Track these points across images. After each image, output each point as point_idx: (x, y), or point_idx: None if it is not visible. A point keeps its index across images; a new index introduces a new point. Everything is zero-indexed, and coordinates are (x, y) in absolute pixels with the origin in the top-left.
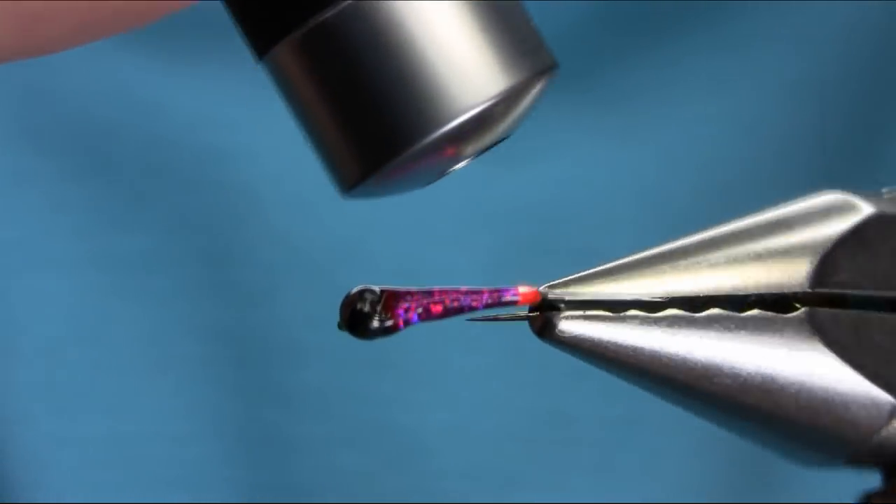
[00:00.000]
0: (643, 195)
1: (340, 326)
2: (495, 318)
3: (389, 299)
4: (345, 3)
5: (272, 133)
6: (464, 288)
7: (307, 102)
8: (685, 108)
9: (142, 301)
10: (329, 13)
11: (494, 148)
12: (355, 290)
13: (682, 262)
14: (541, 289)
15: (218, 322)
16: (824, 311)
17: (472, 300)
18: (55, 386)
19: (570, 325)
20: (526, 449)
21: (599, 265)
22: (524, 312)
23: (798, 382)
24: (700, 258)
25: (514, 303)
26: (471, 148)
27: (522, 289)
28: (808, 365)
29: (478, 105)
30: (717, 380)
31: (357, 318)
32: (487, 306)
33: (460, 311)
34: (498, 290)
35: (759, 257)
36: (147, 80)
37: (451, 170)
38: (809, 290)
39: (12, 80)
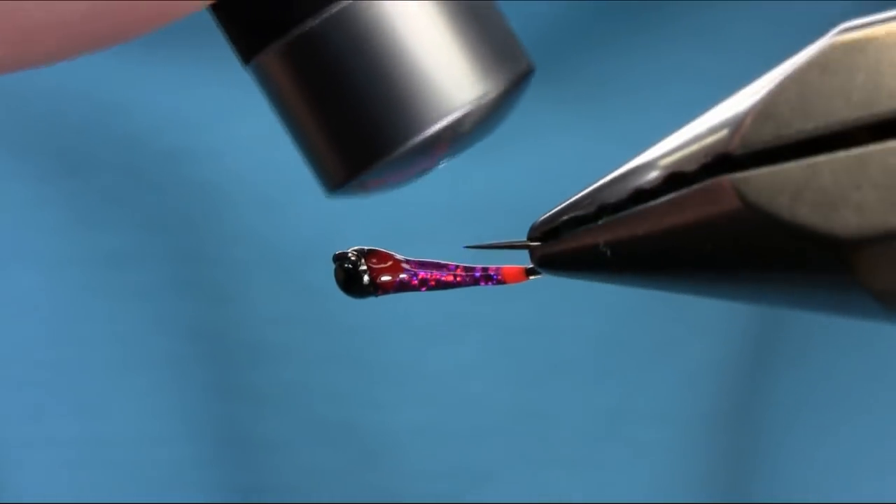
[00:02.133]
0: None
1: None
2: (494, 246)
3: (381, 264)
4: (329, 12)
5: (242, 132)
6: (459, 265)
7: (293, 107)
8: (667, 101)
9: (114, 300)
10: (313, 21)
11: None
12: (350, 249)
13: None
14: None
15: (190, 321)
16: (758, 174)
17: (465, 276)
18: (25, 386)
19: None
20: (502, 446)
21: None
22: (523, 240)
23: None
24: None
25: (499, 281)
26: (451, 149)
27: (511, 268)
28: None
29: (459, 110)
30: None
31: (352, 275)
32: (475, 282)
33: (450, 284)
34: (486, 271)
35: (694, 124)
36: (118, 80)
37: (430, 169)
38: (740, 153)
39: None
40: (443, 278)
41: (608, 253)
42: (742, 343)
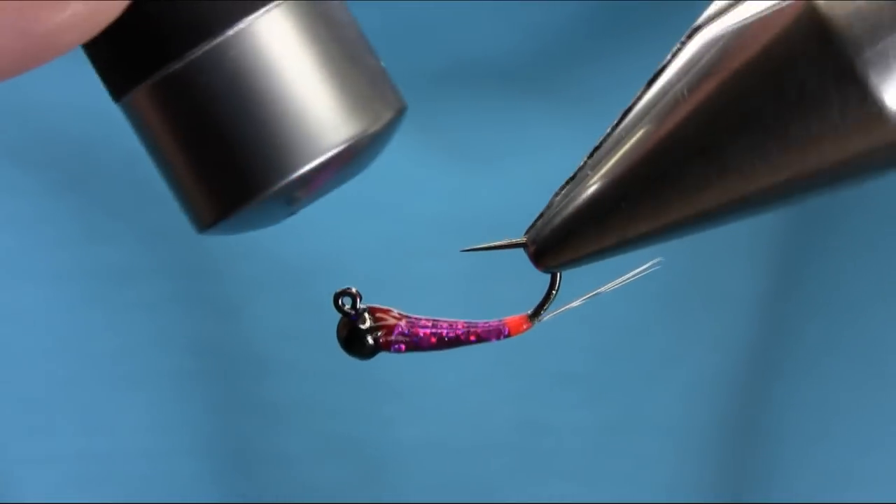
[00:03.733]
0: None
1: (338, 337)
2: (490, 247)
3: (385, 321)
4: (194, 54)
5: None
6: (461, 321)
7: (161, 146)
8: None
9: (119, 314)
10: (178, 63)
11: (468, 154)
12: (343, 319)
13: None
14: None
15: (195, 335)
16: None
17: (469, 336)
18: (30, 401)
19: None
20: (507, 459)
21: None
22: (519, 239)
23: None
24: None
25: (507, 335)
26: (323, 188)
27: (514, 320)
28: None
29: (326, 153)
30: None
31: (354, 335)
32: (480, 340)
33: (454, 342)
34: (489, 327)
35: None
36: None
37: (303, 206)
38: None
39: None
40: (446, 335)
41: None
42: (744, 355)
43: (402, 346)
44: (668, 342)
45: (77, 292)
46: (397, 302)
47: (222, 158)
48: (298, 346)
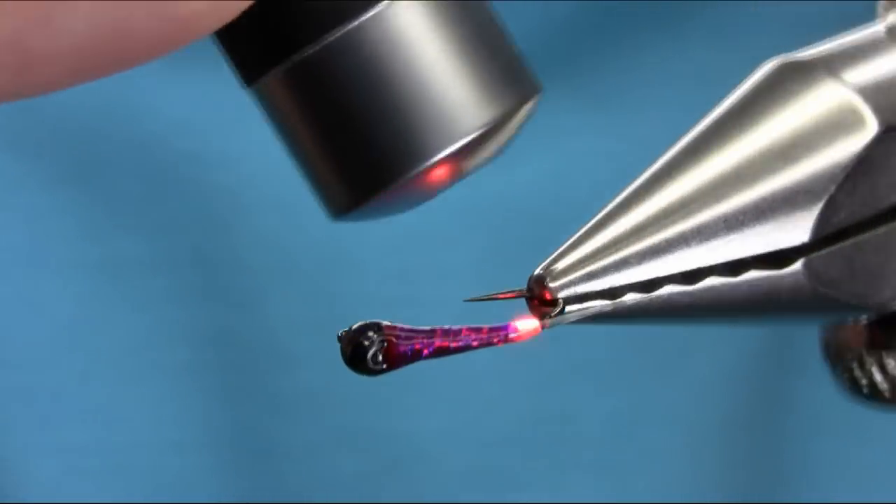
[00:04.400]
0: None
1: (343, 355)
2: (493, 297)
3: (390, 338)
4: (329, 39)
5: (261, 136)
6: (464, 327)
7: (294, 132)
8: (677, 103)
9: (130, 306)
10: (314, 48)
11: None
12: (357, 326)
13: (676, 228)
14: (538, 274)
15: (208, 327)
16: (819, 256)
17: (473, 339)
18: (40, 393)
19: (565, 314)
20: (524, 449)
21: (587, 235)
22: (522, 290)
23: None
24: (693, 220)
25: (514, 339)
26: (459, 174)
27: (521, 324)
28: (804, 311)
29: (465, 137)
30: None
31: (359, 354)
32: (487, 344)
33: (460, 349)
34: (497, 329)
35: (758, 212)
36: (134, 84)
37: (439, 192)
38: (808, 242)
39: None
40: (453, 345)
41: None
42: (755, 349)
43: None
44: (682, 335)
45: (89, 284)
46: (415, 292)
47: (358, 144)
48: (315, 336)
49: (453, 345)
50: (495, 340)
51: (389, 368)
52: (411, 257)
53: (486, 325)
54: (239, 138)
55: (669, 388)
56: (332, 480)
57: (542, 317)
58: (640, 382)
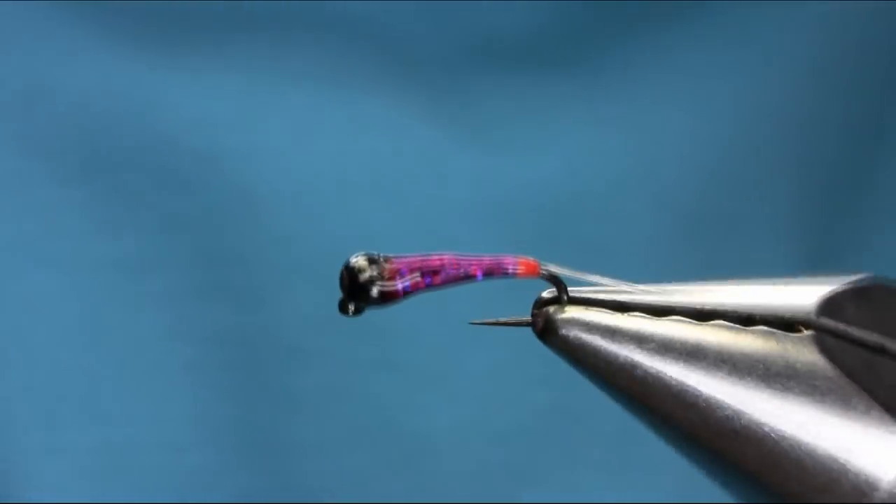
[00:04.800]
0: (645, 183)
1: (341, 306)
2: (497, 323)
3: (389, 266)
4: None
5: (269, 134)
6: (464, 257)
7: None
8: (684, 96)
9: (137, 304)
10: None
11: (494, 141)
12: (353, 256)
13: (693, 287)
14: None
15: (216, 325)
16: (833, 340)
17: (472, 267)
18: (47, 392)
19: (572, 330)
20: (534, 447)
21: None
22: (527, 318)
23: (804, 398)
24: (711, 285)
25: (514, 273)
26: None
27: (522, 260)
28: (813, 380)
29: None
30: (716, 382)
31: (357, 285)
32: (487, 274)
33: (459, 278)
34: (498, 259)
35: (770, 285)
36: (142, 81)
37: None
38: (815, 319)
39: (6, 82)
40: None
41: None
42: None
43: (410, 287)
44: None
45: (96, 282)
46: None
47: None
48: (324, 334)
49: (451, 271)
50: (493, 270)
51: (387, 299)
52: (421, 251)
53: (486, 255)
54: (249, 135)
55: None
56: (347, 476)
57: (544, 331)
58: None
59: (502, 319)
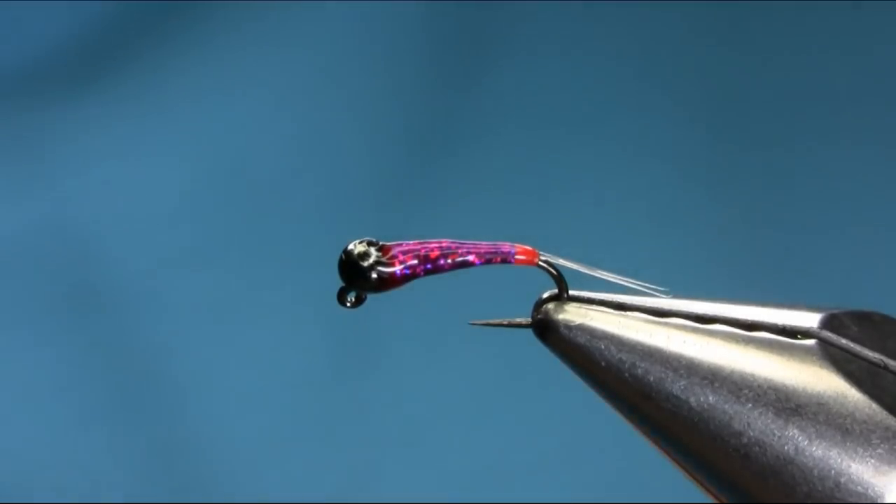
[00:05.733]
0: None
1: (339, 297)
2: (498, 324)
3: (386, 252)
4: None
5: None
6: (462, 243)
7: None
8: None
9: None
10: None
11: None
12: (352, 243)
13: (695, 301)
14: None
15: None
16: (837, 350)
17: (470, 253)
18: None
19: (571, 330)
20: (532, 450)
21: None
22: (527, 318)
23: (815, 403)
24: (715, 302)
25: (512, 260)
26: None
27: (521, 247)
28: (820, 385)
29: None
30: (718, 384)
31: (356, 269)
32: (485, 261)
33: (457, 264)
34: (496, 245)
35: (773, 304)
36: None
37: None
38: (818, 330)
39: None
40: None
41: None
42: None
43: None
44: None
45: None
46: (428, 290)
47: None
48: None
49: (449, 258)
50: (491, 256)
51: (385, 284)
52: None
53: (484, 242)
54: None
55: None
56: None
57: (543, 332)
58: None
59: (502, 320)
